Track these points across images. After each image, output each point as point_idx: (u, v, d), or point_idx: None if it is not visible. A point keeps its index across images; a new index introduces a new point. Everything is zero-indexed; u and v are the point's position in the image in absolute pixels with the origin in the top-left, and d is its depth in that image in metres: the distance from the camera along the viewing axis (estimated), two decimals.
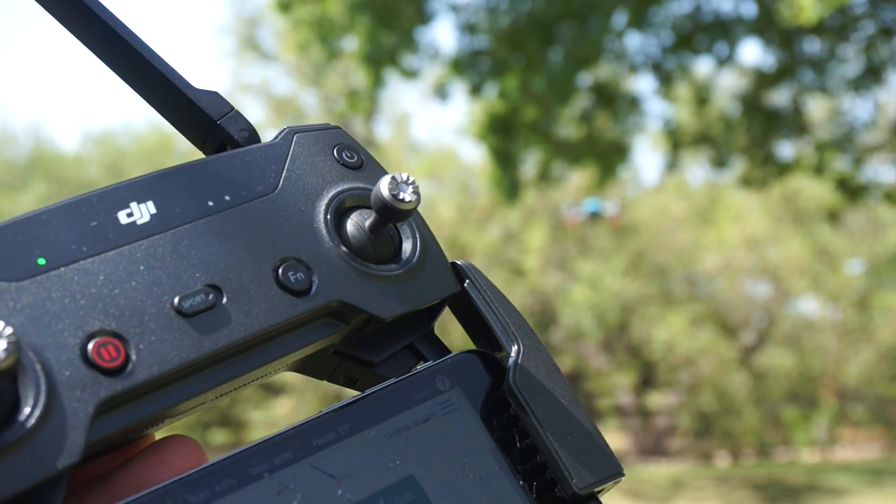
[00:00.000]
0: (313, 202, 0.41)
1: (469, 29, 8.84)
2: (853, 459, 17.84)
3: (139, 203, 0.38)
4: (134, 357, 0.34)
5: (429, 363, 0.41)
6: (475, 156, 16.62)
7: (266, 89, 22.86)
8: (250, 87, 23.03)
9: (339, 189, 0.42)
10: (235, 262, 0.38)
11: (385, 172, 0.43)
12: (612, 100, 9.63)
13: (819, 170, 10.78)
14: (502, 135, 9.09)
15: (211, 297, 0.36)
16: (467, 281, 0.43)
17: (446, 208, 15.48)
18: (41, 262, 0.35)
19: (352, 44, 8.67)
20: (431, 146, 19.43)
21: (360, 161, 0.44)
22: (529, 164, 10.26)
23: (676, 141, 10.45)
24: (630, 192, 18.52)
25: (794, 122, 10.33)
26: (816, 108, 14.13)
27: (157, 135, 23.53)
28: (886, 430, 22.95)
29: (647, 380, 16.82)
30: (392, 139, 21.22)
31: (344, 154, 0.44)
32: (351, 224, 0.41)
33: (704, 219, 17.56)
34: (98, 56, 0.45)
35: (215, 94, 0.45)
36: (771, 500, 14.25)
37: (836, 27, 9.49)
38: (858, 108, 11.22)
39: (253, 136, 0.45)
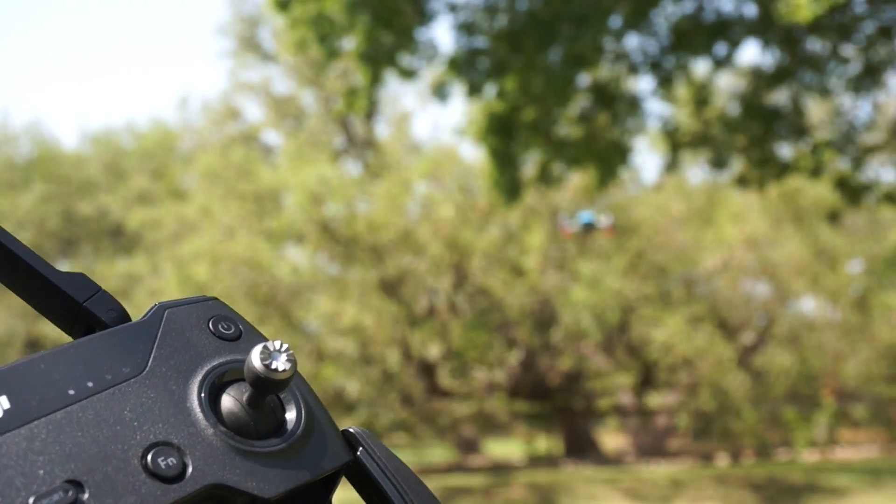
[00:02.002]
0: (186, 380, 0.39)
1: (466, 28, 8.84)
2: (853, 459, 17.87)
3: None
4: None
5: None
6: (475, 156, 16.63)
7: (265, 89, 22.87)
8: (250, 87, 23.03)
9: (214, 364, 0.40)
10: (98, 453, 0.35)
11: (264, 340, 0.41)
12: (611, 100, 9.64)
13: (818, 171, 10.79)
14: (501, 135, 9.08)
15: (70, 493, 0.34)
16: (360, 449, 0.42)
17: (446, 208, 15.48)
18: None
19: (351, 43, 8.67)
20: (432, 146, 19.44)
21: (237, 332, 0.42)
22: (529, 164, 10.26)
23: (675, 141, 10.45)
24: (629, 191, 18.53)
25: (793, 123, 10.34)
26: (816, 108, 14.13)
27: (157, 133, 23.52)
28: (886, 429, 22.97)
29: (647, 380, 16.85)
30: (392, 139, 21.22)
31: (220, 326, 0.42)
32: (228, 399, 0.39)
33: (704, 219, 17.58)
34: None
35: (80, 275, 0.44)
36: (771, 500, 14.25)
37: (837, 27, 9.49)
38: (858, 108, 11.20)
39: (122, 316, 0.43)
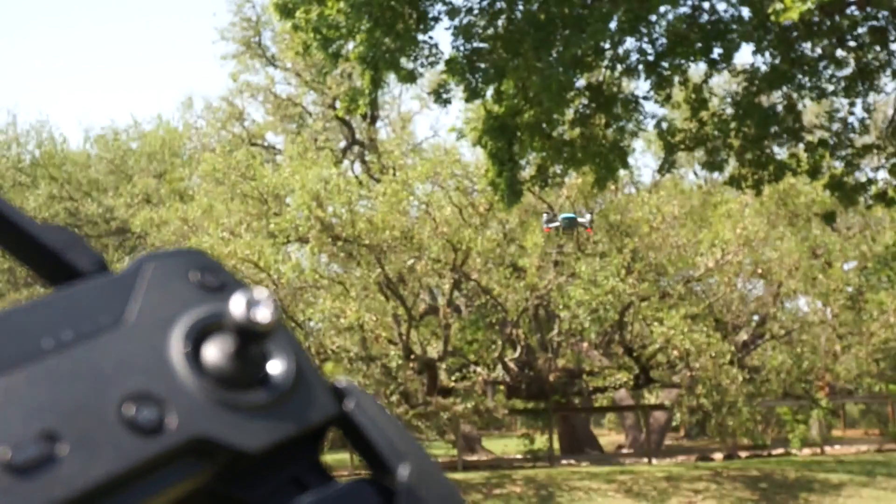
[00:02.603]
0: (166, 331, 0.38)
1: (465, 32, 8.95)
2: (846, 455, 18.06)
3: None
4: None
5: (314, 496, 0.38)
6: (476, 156, 16.84)
7: (268, 91, 23.07)
8: (253, 89, 23.22)
9: (196, 314, 0.39)
10: (76, 406, 0.34)
11: (247, 290, 0.40)
12: (608, 102, 9.74)
13: (812, 172, 10.93)
14: (499, 137, 9.19)
15: (45, 446, 0.33)
16: (348, 401, 0.41)
17: (446, 209, 15.73)
18: None
19: (353, 47, 8.79)
20: (433, 146, 19.64)
21: (220, 282, 0.41)
22: (527, 165, 10.38)
23: (671, 143, 10.55)
24: (627, 192, 18.75)
25: (788, 124, 10.47)
26: (810, 110, 14.31)
27: (162, 134, 23.71)
28: (879, 425, 23.15)
29: (644, 377, 17.04)
30: (393, 140, 21.43)
31: (202, 276, 0.41)
32: (210, 351, 0.38)
33: (701, 218, 17.79)
34: None
35: (59, 227, 0.44)
36: (765, 495, 14.45)
37: (829, 29, 9.64)
38: (852, 110, 11.34)
39: (102, 268, 0.43)
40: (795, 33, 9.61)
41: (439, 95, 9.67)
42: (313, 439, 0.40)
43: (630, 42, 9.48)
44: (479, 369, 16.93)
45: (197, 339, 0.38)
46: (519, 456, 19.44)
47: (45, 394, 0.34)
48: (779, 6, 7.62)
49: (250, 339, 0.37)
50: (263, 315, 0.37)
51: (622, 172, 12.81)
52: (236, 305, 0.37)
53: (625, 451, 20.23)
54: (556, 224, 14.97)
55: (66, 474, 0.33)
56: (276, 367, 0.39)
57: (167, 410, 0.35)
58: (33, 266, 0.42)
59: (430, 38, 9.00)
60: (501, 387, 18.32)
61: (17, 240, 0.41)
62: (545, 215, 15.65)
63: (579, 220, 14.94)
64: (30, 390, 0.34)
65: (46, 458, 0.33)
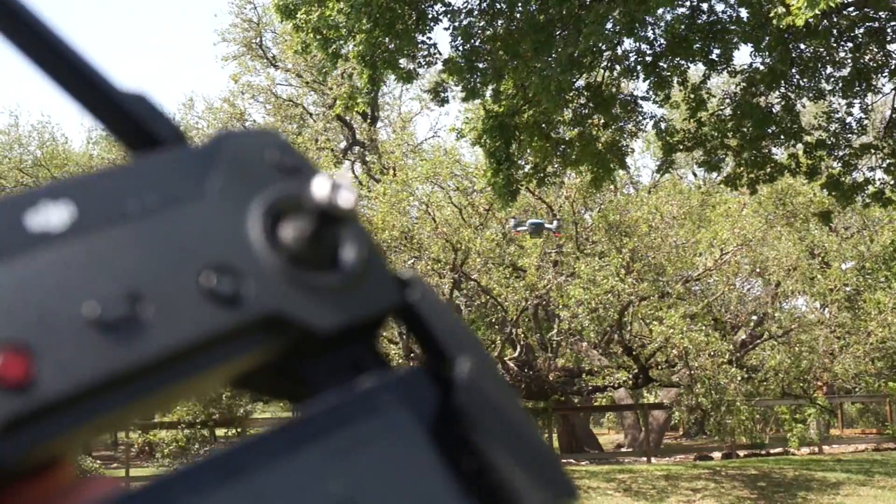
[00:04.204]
0: (245, 207, 0.38)
1: (464, 32, 9.02)
2: (844, 454, 18.13)
3: (54, 206, 0.35)
4: (40, 371, 0.31)
5: (373, 380, 0.39)
6: (476, 156, 16.92)
7: (269, 92, 23.14)
8: (254, 90, 23.28)
9: (273, 193, 0.39)
10: (159, 270, 0.35)
11: (325, 174, 0.41)
12: (608, 102, 9.80)
13: (810, 172, 10.98)
14: (498, 136, 9.26)
15: (130, 306, 0.34)
16: (412, 292, 0.41)
17: (446, 209, 15.80)
18: None
19: (353, 47, 8.86)
20: (433, 147, 19.70)
21: (296, 164, 0.41)
22: (526, 164, 10.45)
23: (669, 143, 10.61)
24: (626, 191, 18.82)
25: (786, 124, 10.54)
26: (808, 110, 14.38)
27: None
28: (877, 425, 23.21)
29: (643, 377, 17.12)
30: (394, 141, 21.50)
31: (278, 157, 0.41)
32: (286, 230, 0.38)
33: (699, 218, 17.86)
34: (22, 52, 0.43)
35: (142, 95, 0.44)
36: (764, 494, 14.51)
37: (826, 31, 9.70)
38: (850, 110, 11.42)
39: (181, 139, 0.44)
40: (793, 34, 9.67)
41: (437, 94, 9.74)
42: (373, 325, 0.41)
43: (629, 43, 9.55)
44: None
45: (274, 217, 0.38)
46: None
47: (130, 255, 0.35)
48: (781, 10, 7.65)
49: (328, 222, 0.38)
50: (346, 199, 0.38)
51: (620, 172, 12.88)
52: (320, 187, 0.38)
53: (624, 450, 20.30)
54: (524, 228, 15.32)
55: (151, 335, 0.34)
56: (348, 252, 0.40)
57: (244, 284, 0.36)
58: (115, 131, 0.43)
59: (430, 38, 9.09)
60: None
61: (102, 105, 0.42)
62: (512, 220, 15.91)
63: (546, 225, 15.30)
64: (116, 250, 0.35)
65: (133, 318, 0.33)
